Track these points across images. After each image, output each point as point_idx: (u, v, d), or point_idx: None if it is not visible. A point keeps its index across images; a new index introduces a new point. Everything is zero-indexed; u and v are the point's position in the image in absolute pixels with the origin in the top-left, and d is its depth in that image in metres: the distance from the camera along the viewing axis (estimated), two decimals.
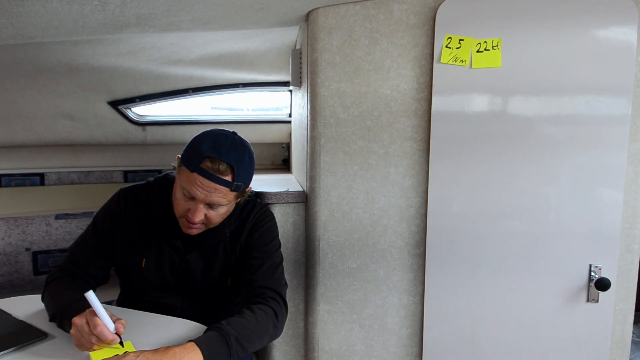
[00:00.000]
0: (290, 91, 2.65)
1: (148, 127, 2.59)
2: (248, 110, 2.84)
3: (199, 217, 1.21)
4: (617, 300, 1.62)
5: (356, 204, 1.61)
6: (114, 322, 1.06)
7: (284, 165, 2.88)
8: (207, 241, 1.34)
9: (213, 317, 1.24)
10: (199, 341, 1.04)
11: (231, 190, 1.20)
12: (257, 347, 1.16)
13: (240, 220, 1.36)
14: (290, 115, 2.74)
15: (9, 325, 1.21)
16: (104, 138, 2.54)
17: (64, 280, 1.28)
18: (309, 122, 1.63)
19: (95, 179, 2.69)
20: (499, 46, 1.49)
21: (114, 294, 1.53)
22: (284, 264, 1.40)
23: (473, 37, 1.49)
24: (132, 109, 2.54)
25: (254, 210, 1.39)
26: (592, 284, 1.57)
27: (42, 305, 1.26)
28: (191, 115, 2.71)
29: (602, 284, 1.53)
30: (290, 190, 1.68)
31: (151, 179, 1.41)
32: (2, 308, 1.30)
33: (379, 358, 1.71)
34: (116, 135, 2.55)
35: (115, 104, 2.45)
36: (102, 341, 1.03)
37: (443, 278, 1.62)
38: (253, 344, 1.14)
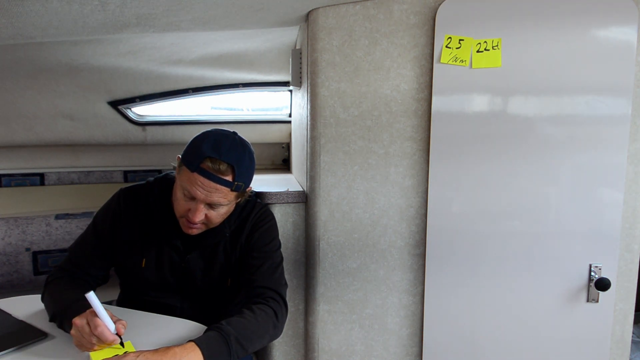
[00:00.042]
0: (290, 91, 2.65)
1: (148, 127, 2.59)
2: (248, 110, 2.84)
3: (199, 217, 1.21)
4: (617, 300, 1.62)
5: (356, 204, 1.61)
6: (114, 322, 1.06)
7: (284, 165, 2.88)
8: (207, 241, 1.33)
9: (213, 317, 1.24)
10: (199, 341, 1.04)
11: (232, 190, 1.20)
12: (257, 347, 1.16)
13: (241, 220, 1.36)
14: (290, 115, 2.74)
15: (9, 325, 1.21)
16: (104, 138, 2.54)
17: (64, 281, 1.28)
18: (309, 122, 1.63)
19: (95, 179, 2.69)
20: (499, 46, 1.49)
21: (114, 294, 1.53)
22: (284, 264, 1.40)
23: (473, 37, 1.49)
24: (132, 109, 2.54)
25: (254, 210, 1.39)
26: (592, 284, 1.57)
27: (42, 305, 1.26)
28: (191, 115, 2.71)
29: (602, 284, 1.53)
30: (290, 190, 1.68)
31: (151, 179, 1.41)
32: (2, 308, 1.30)
33: (379, 358, 1.71)
34: (116, 135, 2.55)
35: (115, 104, 2.45)
36: (103, 342, 1.03)
37: (443, 278, 1.62)
38: (253, 344, 1.14)
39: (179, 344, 1.03)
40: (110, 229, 1.34)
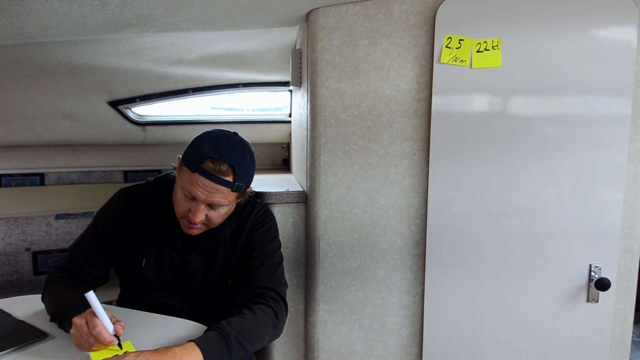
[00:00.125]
0: (290, 91, 2.65)
1: (148, 127, 2.59)
2: (248, 110, 2.84)
3: (199, 217, 1.21)
4: (617, 300, 1.62)
5: (356, 204, 1.61)
6: (113, 324, 1.06)
7: (284, 165, 2.88)
8: (207, 241, 1.33)
9: (213, 317, 1.24)
10: (199, 341, 1.04)
11: (232, 190, 1.20)
12: (257, 347, 1.16)
13: (241, 220, 1.36)
14: (290, 115, 2.74)
15: (9, 325, 1.21)
16: (104, 138, 2.54)
17: (64, 281, 1.28)
18: (309, 122, 1.63)
19: (95, 179, 2.69)
20: (499, 46, 1.49)
21: (114, 294, 1.53)
22: (284, 264, 1.40)
23: (473, 37, 1.49)
24: (132, 109, 2.54)
25: (254, 211, 1.39)
26: (592, 284, 1.57)
27: (42, 305, 1.26)
28: (191, 115, 2.71)
29: (602, 284, 1.53)
30: (290, 190, 1.68)
31: (151, 179, 1.41)
32: (2, 308, 1.30)
33: (379, 358, 1.71)
34: (116, 135, 2.55)
35: (115, 104, 2.45)
36: (100, 342, 1.03)
37: (443, 278, 1.62)
38: (253, 344, 1.14)
39: (179, 344, 1.03)
40: (110, 229, 1.34)
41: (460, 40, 1.50)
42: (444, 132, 1.55)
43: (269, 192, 1.64)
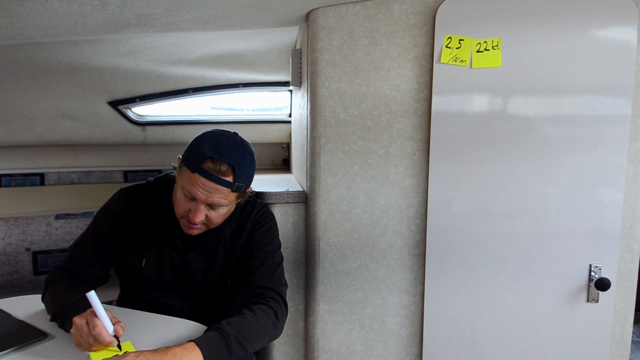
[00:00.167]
0: (290, 91, 2.65)
1: (148, 127, 2.59)
2: (248, 110, 2.84)
3: (200, 217, 1.21)
4: (617, 300, 1.62)
5: (356, 204, 1.61)
6: (113, 324, 1.06)
7: (284, 165, 2.88)
8: (207, 241, 1.33)
9: (213, 317, 1.24)
10: (199, 341, 1.04)
11: (232, 191, 1.20)
12: (257, 347, 1.16)
13: (241, 220, 1.36)
14: (290, 115, 2.74)
15: (9, 325, 1.21)
16: (104, 138, 2.54)
17: (64, 280, 1.28)
18: (309, 122, 1.63)
19: (95, 179, 2.69)
20: (499, 46, 1.49)
21: (114, 294, 1.53)
22: (284, 264, 1.40)
23: (473, 37, 1.49)
24: (132, 109, 2.54)
25: (254, 211, 1.39)
26: (592, 284, 1.57)
27: (42, 305, 1.26)
28: (191, 115, 2.71)
29: (602, 284, 1.53)
30: (290, 190, 1.68)
31: (151, 179, 1.41)
32: (2, 308, 1.30)
33: (379, 358, 1.71)
34: (116, 135, 2.55)
35: (115, 104, 2.45)
36: (100, 342, 1.03)
37: (443, 278, 1.62)
38: (253, 344, 1.14)
39: (179, 344, 1.03)
40: (111, 229, 1.34)
41: (460, 40, 1.50)
42: (444, 132, 1.55)
43: (269, 192, 1.64)
